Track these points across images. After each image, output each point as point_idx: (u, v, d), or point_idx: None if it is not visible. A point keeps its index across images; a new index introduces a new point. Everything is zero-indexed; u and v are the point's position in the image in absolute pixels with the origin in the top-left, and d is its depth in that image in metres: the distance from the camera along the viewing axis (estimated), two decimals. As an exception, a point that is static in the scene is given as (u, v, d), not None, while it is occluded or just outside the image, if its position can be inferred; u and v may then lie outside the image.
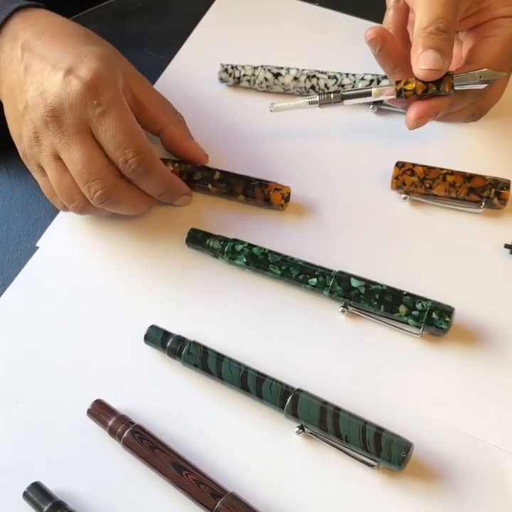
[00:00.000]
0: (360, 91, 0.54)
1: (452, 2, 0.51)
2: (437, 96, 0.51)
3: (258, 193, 0.58)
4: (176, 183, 0.58)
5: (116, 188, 0.54)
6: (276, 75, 0.65)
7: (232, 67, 0.66)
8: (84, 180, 0.53)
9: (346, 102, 0.55)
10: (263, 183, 0.58)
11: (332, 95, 0.55)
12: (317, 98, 0.55)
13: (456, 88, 0.51)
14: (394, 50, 0.53)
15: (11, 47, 0.55)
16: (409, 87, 0.51)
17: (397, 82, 0.52)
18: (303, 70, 0.65)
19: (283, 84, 0.65)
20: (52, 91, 0.52)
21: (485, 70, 0.51)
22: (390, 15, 0.55)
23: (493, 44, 0.53)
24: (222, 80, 0.67)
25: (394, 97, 0.52)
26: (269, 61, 0.66)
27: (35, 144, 0.54)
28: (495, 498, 0.46)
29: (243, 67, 0.66)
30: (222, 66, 0.67)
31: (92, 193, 0.53)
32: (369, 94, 0.54)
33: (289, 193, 0.59)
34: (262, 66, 0.66)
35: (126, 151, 0.52)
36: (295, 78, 0.65)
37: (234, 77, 0.66)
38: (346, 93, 0.55)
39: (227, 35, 0.71)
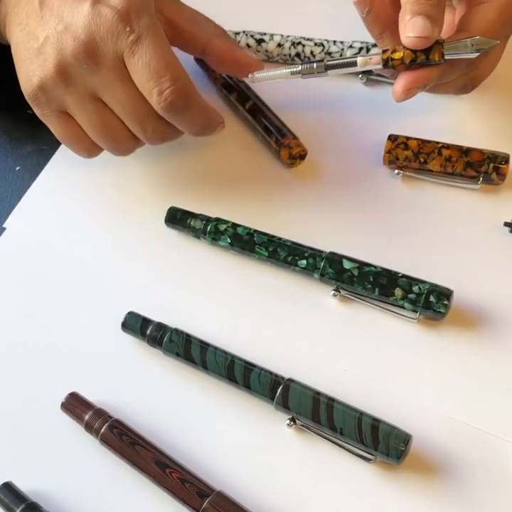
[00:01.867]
0: (345, 60, 0.51)
1: None
2: (426, 66, 0.48)
3: (273, 139, 0.57)
4: (215, 116, 0.53)
5: (157, 127, 0.50)
6: (259, 41, 0.62)
7: None
8: (138, 119, 0.49)
9: (331, 72, 0.51)
10: (282, 132, 0.56)
11: (315, 65, 0.51)
12: (299, 68, 0.52)
13: (446, 57, 0.48)
14: (383, 13, 0.50)
15: None
16: (397, 56, 0.48)
17: (384, 51, 0.49)
18: (287, 36, 0.62)
19: (266, 51, 0.62)
20: (79, 23, 0.47)
21: (478, 37, 0.48)
22: None
23: (487, 11, 0.51)
24: None
25: (381, 66, 0.49)
26: (252, 26, 0.63)
27: (61, 83, 0.49)
28: (497, 490, 0.44)
29: None
30: None
31: (149, 134, 0.50)
32: (354, 64, 0.50)
33: (300, 154, 0.56)
34: (244, 31, 0.63)
35: (162, 79, 0.47)
36: (279, 45, 0.62)
37: None
38: (330, 63, 0.51)
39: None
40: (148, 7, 0.48)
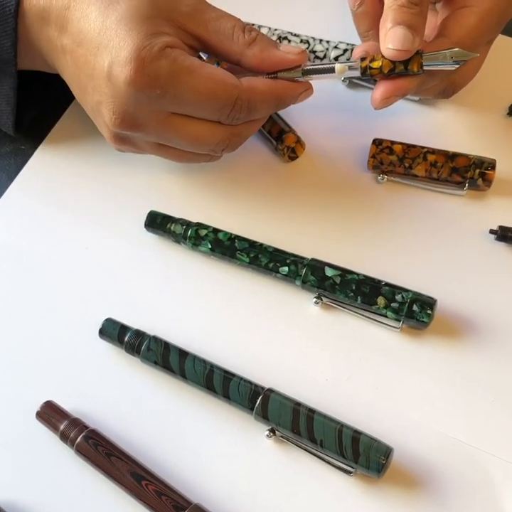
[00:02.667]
0: (322, 66, 0.49)
1: None
2: (405, 75, 0.48)
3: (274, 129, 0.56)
4: (285, 91, 0.49)
5: (236, 135, 0.49)
6: None
7: None
8: (206, 151, 0.50)
9: (307, 77, 0.50)
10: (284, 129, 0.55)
11: (292, 71, 0.49)
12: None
13: (425, 68, 0.47)
14: (373, 11, 0.50)
15: (47, 34, 0.49)
16: (375, 65, 0.47)
17: (363, 59, 0.48)
18: (275, 29, 0.61)
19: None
20: (107, 97, 0.46)
21: (457, 49, 0.47)
22: None
23: (468, 16, 0.50)
24: None
25: (358, 74, 0.48)
26: (240, 16, 0.61)
27: (125, 144, 0.50)
28: (481, 505, 0.43)
29: None
30: None
31: (220, 153, 0.50)
32: (332, 70, 0.49)
33: (292, 147, 0.55)
34: None
35: (222, 110, 0.46)
36: (265, 37, 0.60)
37: None
38: (308, 68, 0.49)
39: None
40: (161, 42, 0.45)
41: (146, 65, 0.44)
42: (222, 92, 0.46)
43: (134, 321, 0.50)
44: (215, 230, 0.52)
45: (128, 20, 0.45)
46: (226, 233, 0.52)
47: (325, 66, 0.49)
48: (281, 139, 0.55)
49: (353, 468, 0.43)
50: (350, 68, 0.48)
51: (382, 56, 0.47)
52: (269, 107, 0.49)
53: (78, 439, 0.45)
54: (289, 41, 0.60)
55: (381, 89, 0.48)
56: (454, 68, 0.48)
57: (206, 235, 0.51)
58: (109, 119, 0.47)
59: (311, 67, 0.49)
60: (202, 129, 0.48)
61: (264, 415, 0.45)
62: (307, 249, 0.51)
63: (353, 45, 0.58)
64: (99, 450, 0.45)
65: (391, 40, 0.46)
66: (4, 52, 0.50)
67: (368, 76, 0.48)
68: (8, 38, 0.49)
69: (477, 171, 0.52)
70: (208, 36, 0.48)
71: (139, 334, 0.48)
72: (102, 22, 0.46)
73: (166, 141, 0.49)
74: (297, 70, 0.49)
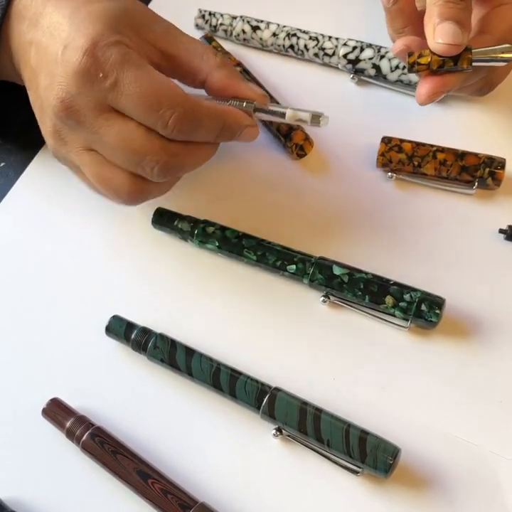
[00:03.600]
0: (274, 108, 0.48)
1: None
2: (452, 71, 0.47)
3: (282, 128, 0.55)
4: (232, 117, 0.48)
5: (170, 155, 0.46)
6: (255, 29, 0.61)
7: (210, 14, 0.63)
8: (134, 162, 0.45)
9: (257, 115, 0.49)
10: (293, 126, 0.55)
11: (245, 103, 0.48)
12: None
13: (474, 64, 0.46)
14: (408, 8, 0.49)
15: (18, 30, 0.48)
16: (424, 61, 0.47)
17: (410, 55, 0.48)
18: (284, 26, 0.61)
19: (261, 39, 0.61)
20: (55, 79, 0.45)
21: (508, 45, 0.46)
22: None
23: (509, 12, 0.49)
24: (198, 26, 0.63)
25: (308, 124, 0.48)
26: (249, 14, 0.62)
27: (60, 144, 0.47)
28: (488, 506, 0.43)
29: (221, 15, 0.62)
30: (200, 12, 0.63)
31: (149, 172, 0.46)
32: (283, 115, 0.48)
33: (301, 144, 0.55)
34: (242, 17, 0.62)
35: (160, 112, 0.44)
36: (274, 34, 0.60)
37: (210, 25, 0.63)
38: (259, 106, 0.48)
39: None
40: (118, 39, 0.45)
41: (98, 48, 0.44)
42: (167, 93, 0.44)
43: (140, 318, 0.49)
44: (223, 228, 0.52)
45: (97, 16, 0.45)
46: (233, 231, 0.51)
47: (276, 109, 0.48)
48: (290, 137, 0.54)
49: (360, 468, 0.43)
50: (301, 118, 0.48)
51: (431, 52, 0.46)
52: (212, 129, 0.47)
53: (84, 437, 0.45)
54: (298, 38, 0.59)
55: (428, 85, 0.47)
56: (502, 65, 0.47)
57: (213, 232, 0.51)
58: (51, 105, 0.45)
59: (263, 106, 0.49)
60: (137, 133, 0.45)
61: (270, 414, 0.45)
62: (315, 247, 0.51)
63: (362, 42, 0.57)
64: (105, 448, 0.45)
65: (440, 35, 0.45)
66: None
67: (414, 71, 0.47)
68: None
69: (487, 169, 0.51)
70: (178, 54, 0.48)
71: (146, 332, 0.48)
72: (73, 15, 0.45)
73: (98, 141, 0.46)
74: (250, 104, 0.48)
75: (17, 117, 0.54)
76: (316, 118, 0.47)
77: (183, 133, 0.45)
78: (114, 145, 0.45)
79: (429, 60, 0.47)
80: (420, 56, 0.47)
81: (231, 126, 0.48)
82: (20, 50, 0.49)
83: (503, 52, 0.46)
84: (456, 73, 0.47)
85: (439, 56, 0.46)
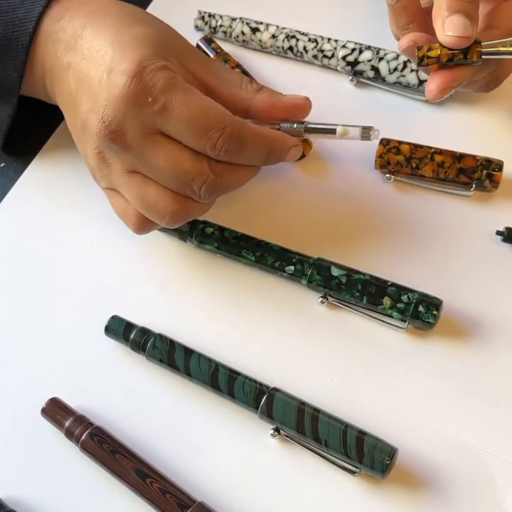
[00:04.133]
0: (324, 126, 0.50)
1: None
2: (461, 65, 0.47)
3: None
4: (278, 139, 0.48)
5: (218, 175, 0.46)
6: (254, 30, 0.61)
7: (210, 16, 0.63)
8: (183, 183, 0.46)
9: (308, 135, 0.50)
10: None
11: (295, 125, 0.50)
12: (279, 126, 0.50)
13: (484, 57, 0.47)
14: (412, 4, 0.49)
15: (54, 54, 0.49)
16: (433, 54, 0.47)
17: (419, 48, 0.48)
18: (283, 28, 0.61)
19: (260, 40, 0.61)
20: (100, 102, 0.45)
21: None
22: None
23: None
24: (197, 28, 0.64)
25: (358, 139, 0.49)
26: (249, 15, 0.62)
27: (103, 165, 0.47)
28: (485, 506, 0.43)
29: (221, 16, 0.63)
30: (200, 13, 0.64)
31: (197, 191, 0.46)
32: (333, 131, 0.49)
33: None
34: (241, 18, 0.62)
35: (209, 134, 0.44)
36: (273, 36, 0.61)
37: (210, 27, 0.63)
38: (311, 126, 0.50)
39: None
40: (165, 64, 0.45)
41: (146, 73, 0.44)
42: (214, 114, 0.45)
43: (139, 318, 0.50)
44: (221, 229, 0.52)
45: (141, 40, 0.46)
46: (232, 231, 0.52)
47: (327, 127, 0.49)
48: None
49: (357, 468, 0.43)
50: (351, 134, 0.49)
51: (440, 45, 0.47)
52: (259, 152, 0.47)
53: (83, 436, 0.45)
54: (297, 40, 0.60)
55: (437, 80, 0.47)
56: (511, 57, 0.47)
57: (212, 233, 0.52)
58: (96, 128, 0.45)
59: (314, 126, 0.50)
60: (184, 154, 0.46)
61: (269, 414, 0.45)
62: (313, 248, 0.51)
63: (361, 44, 0.58)
64: (104, 447, 0.45)
65: (450, 27, 0.45)
66: (9, 84, 0.50)
67: (423, 65, 0.47)
68: (15, 71, 0.50)
69: (484, 172, 0.52)
70: (217, 84, 0.49)
71: (145, 332, 0.49)
72: (116, 38, 0.46)
73: (144, 164, 0.46)
74: (300, 125, 0.50)
75: (17, 118, 0.54)
76: (367, 132, 0.48)
77: (230, 153, 0.46)
78: (162, 167, 0.45)
79: (438, 53, 0.47)
80: (430, 49, 0.47)
81: (278, 150, 0.48)
82: (56, 73, 0.49)
83: (511, 46, 0.46)
84: (465, 67, 0.47)
85: (449, 49, 0.46)
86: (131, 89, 0.44)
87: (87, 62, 0.47)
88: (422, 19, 0.49)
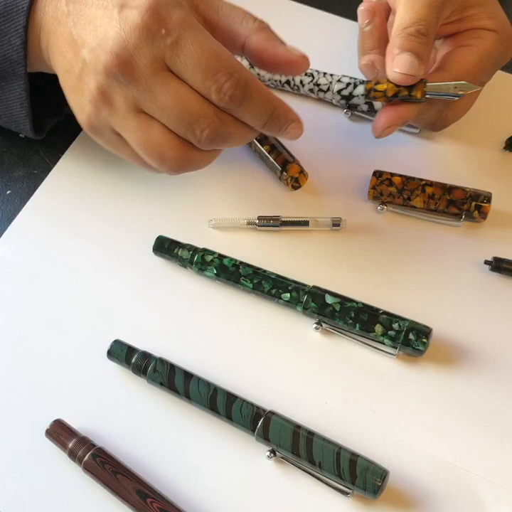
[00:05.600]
0: (297, 219, 0.55)
1: (436, 5, 0.49)
2: (407, 103, 0.50)
3: (279, 159, 0.57)
4: (282, 106, 0.47)
5: (222, 122, 0.46)
6: (253, 65, 0.62)
7: None
8: (186, 123, 0.45)
9: (284, 227, 0.55)
10: (288, 160, 0.57)
11: (271, 221, 0.55)
12: (257, 221, 0.55)
13: (427, 96, 0.49)
14: (379, 32, 0.52)
15: (54, 6, 0.47)
16: (380, 87, 0.50)
17: (368, 82, 0.51)
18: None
19: (258, 74, 0.63)
20: (109, 35, 0.44)
21: (463, 82, 0.49)
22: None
23: (469, 54, 0.52)
24: None
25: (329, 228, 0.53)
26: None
27: (103, 106, 0.46)
28: (471, 527, 0.45)
29: None
30: None
31: (198, 135, 0.45)
32: (306, 223, 0.54)
33: (296, 177, 0.57)
34: None
35: (217, 76, 0.44)
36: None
37: None
38: (285, 219, 0.55)
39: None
40: (178, 1, 0.45)
41: (161, 6, 0.44)
42: (225, 58, 0.44)
43: (141, 342, 0.51)
44: (221, 256, 0.53)
45: None
46: (231, 259, 0.53)
47: (300, 220, 0.55)
48: (286, 169, 0.56)
49: (350, 489, 0.45)
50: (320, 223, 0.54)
51: (388, 80, 0.49)
52: (261, 110, 0.46)
53: (86, 457, 0.46)
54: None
55: (383, 118, 0.50)
56: (454, 99, 0.50)
57: (212, 260, 0.53)
58: (103, 61, 0.44)
59: (289, 219, 0.55)
60: (191, 95, 0.45)
61: (265, 437, 0.46)
62: (309, 276, 0.53)
63: (355, 79, 0.59)
64: (106, 468, 0.46)
65: (398, 65, 0.48)
66: (14, 52, 0.49)
67: (370, 98, 0.50)
68: (18, 37, 0.49)
69: (473, 203, 0.53)
70: (218, 19, 0.47)
71: (146, 356, 0.50)
72: None
73: (150, 100, 0.45)
74: (276, 220, 0.55)
75: (19, 146, 0.55)
76: (337, 221, 0.55)
77: (234, 101, 0.45)
78: (168, 104, 0.45)
79: (385, 87, 0.49)
80: (377, 83, 0.49)
81: (279, 116, 0.47)
82: (53, 26, 0.48)
83: (455, 88, 0.49)
84: (411, 105, 0.49)
85: (396, 85, 0.49)
86: (145, 20, 0.43)
87: (93, 5, 0.46)
88: (384, 48, 0.51)
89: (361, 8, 0.50)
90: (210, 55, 0.44)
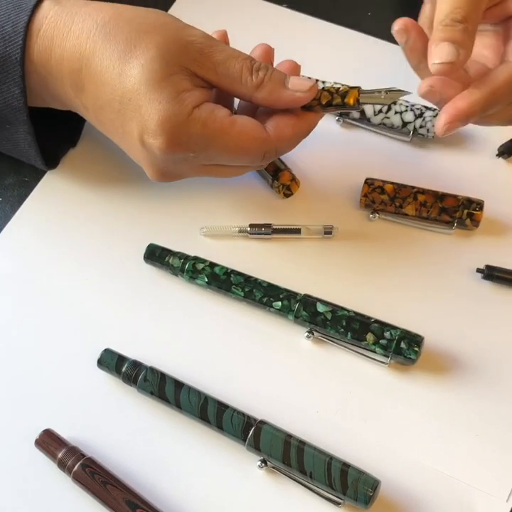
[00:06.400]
0: (289, 227, 0.55)
1: None
2: (466, 98, 0.47)
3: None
4: (310, 126, 0.51)
5: (278, 148, 0.50)
6: None
7: None
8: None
9: (276, 235, 0.55)
10: (280, 167, 0.57)
11: (263, 228, 0.55)
12: (248, 229, 0.55)
13: (361, 102, 0.49)
14: (420, 44, 0.49)
15: (64, 90, 0.51)
16: (316, 95, 0.49)
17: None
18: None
19: None
20: (144, 160, 0.50)
21: (395, 89, 0.49)
22: (426, 9, 0.52)
23: None
24: None
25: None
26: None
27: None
28: (463, 537, 0.44)
29: None
30: None
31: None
32: (298, 231, 0.55)
33: (288, 185, 0.57)
34: None
35: (251, 161, 0.50)
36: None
37: None
38: (277, 227, 0.55)
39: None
40: (183, 106, 0.46)
41: (177, 134, 0.46)
42: (253, 148, 0.48)
43: (131, 351, 0.51)
44: (212, 264, 0.53)
45: (147, 88, 0.46)
46: (222, 267, 0.53)
47: (292, 228, 0.55)
48: (277, 177, 0.56)
49: (341, 499, 0.45)
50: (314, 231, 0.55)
51: (323, 89, 0.49)
52: (295, 145, 0.51)
53: (75, 468, 0.46)
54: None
55: (444, 116, 0.47)
56: (388, 103, 0.51)
57: (203, 268, 0.53)
58: (149, 173, 0.51)
59: (280, 227, 0.55)
60: (236, 168, 0.51)
61: (256, 446, 0.46)
62: (300, 284, 0.52)
63: (347, 86, 0.59)
64: (95, 478, 0.46)
65: (436, 56, 0.46)
66: (14, 100, 0.51)
67: (310, 108, 0.50)
68: (16, 86, 0.50)
69: (465, 211, 0.53)
70: (218, 80, 0.49)
71: (136, 365, 0.50)
72: (120, 89, 0.47)
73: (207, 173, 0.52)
74: (268, 228, 0.55)
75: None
76: (329, 229, 0.55)
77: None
78: (221, 175, 0.52)
79: (318, 95, 0.49)
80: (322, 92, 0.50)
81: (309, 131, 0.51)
82: (74, 107, 0.52)
83: (387, 93, 0.49)
84: (473, 100, 0.47)
85: (329, 93, 0.49)
86: (171, 150, 0.47)
87: (105, 113, 0.49)
88: None
89: (395, 30, 0.49)
90: (240, 153, 0.48)
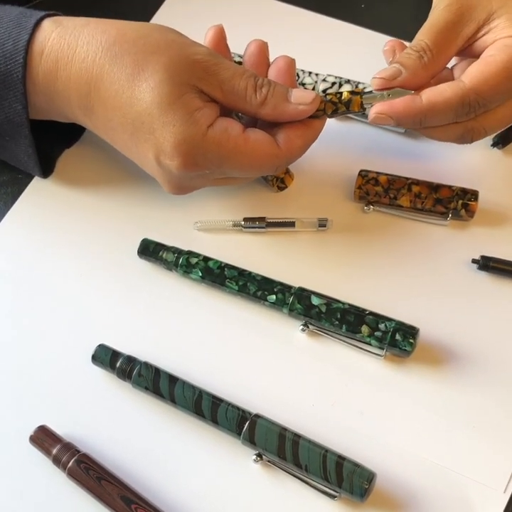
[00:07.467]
0: (283, 220, 0.55)
1: (440, 25, 0.50)
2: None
3: None
4: (317, 132, 0.52)
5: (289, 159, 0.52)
6: (239, 63, 0.61)
7: None
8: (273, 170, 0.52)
9: (270, 228, 0.55)
10: None
11: (257, 222, 0.55)
12: (242, 223, 0.55)
13: (365, 106, 0.50)
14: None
15: (72, 111, 0.52)
16: (321, 106, 0.50)
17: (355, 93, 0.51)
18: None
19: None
20: (161, 178, 0.51)
21: (396, 89, 0.49)
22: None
23: (490, 65, 0.49)
24: None
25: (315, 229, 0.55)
26: (235, 49, 0.62)
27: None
28: (461, 529, 0.44)
29: None
30: None
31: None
32: (292, 224, 0.55)
33: (282, 178, 0.57)
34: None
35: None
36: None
37: None
38: (271, 220, 0.55)
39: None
40: (197, 128, 0.47)
41: (193, 155, 0.47)
42: (265, 163, 0.49)
43: (126, 346, 0.51)
44: (206, 258, 0.53)
45: (159, 111, 0.47)
46: (216, 261, 0.53)
47: (287, 221, 0.55)
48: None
49: (337, 492, 0.44)
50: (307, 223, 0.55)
51: (324, 100, 0.50)
52: (304, 153, 0.52)
53: (70, 464, 0.46)
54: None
55: (378, 106, 0.50)
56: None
57: (197, 263, 0.53)
58: (166, 188, 0.52)
59: (274, 220, 0.55)
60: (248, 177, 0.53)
61: (251, 440, 0.46)
62: (295, 277, 0.52)
63: (340, 78, 0.59)
64: (90, 474, 0.46)
65: (380, 73, 0.49)
66: (16, 116, 0.51)
67: (314, 116, 0.50)
68: (18, 102, 0.51)
69: (460, 201, 0.53)
70: (223, 97, 0.49)
71: (131, 360, 0.50)
72: (132, 113, 0.48)
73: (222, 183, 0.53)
74: (262, 222, 0.55)
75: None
76: (323, 222, 0.55)
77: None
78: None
79: (323, 106, 0.50)
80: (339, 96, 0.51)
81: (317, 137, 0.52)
82: (84, 124, 0.53)
83: (389, 95, 0.49)
84: (406, 102, 0.49)
85: (333, 103, 0.50)
86: (188, 170, 0.48)
87: (118, 135, 0.50)
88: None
89: (384, 50, 0.53)
90: (253, 169, 0.50)
